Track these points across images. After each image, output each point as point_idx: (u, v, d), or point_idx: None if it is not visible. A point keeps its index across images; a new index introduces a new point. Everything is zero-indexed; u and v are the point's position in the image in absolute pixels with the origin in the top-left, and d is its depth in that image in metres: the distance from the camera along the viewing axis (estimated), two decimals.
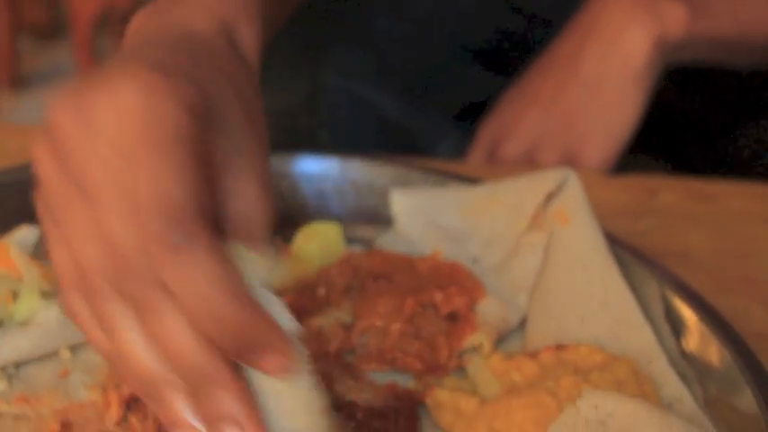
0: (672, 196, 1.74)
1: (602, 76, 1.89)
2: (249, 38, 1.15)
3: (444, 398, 1.16)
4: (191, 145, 0.91)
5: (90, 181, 0.90)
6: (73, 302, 0.96)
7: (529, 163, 1.86)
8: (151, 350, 0.92)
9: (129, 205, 0.88)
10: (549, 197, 1.36)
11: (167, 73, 0.93)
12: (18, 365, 1.23)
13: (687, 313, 1.24)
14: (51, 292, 1.26)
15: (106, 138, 0.90)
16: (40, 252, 1.34)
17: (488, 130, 1.97)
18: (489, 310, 1.27)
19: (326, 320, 1.29)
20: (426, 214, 1.45)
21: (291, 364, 0.94)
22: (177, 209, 0.89)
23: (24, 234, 1.34)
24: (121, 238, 0.88)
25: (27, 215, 1.36)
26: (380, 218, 1.50)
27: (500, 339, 1.29)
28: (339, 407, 1.13)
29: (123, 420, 1.14)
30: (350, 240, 1.44)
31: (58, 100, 0.92)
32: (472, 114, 2.05)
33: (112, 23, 5.37)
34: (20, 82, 5.82)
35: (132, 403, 1.16)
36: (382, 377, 1.23)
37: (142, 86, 0.90)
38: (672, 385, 1.18)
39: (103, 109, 0.90)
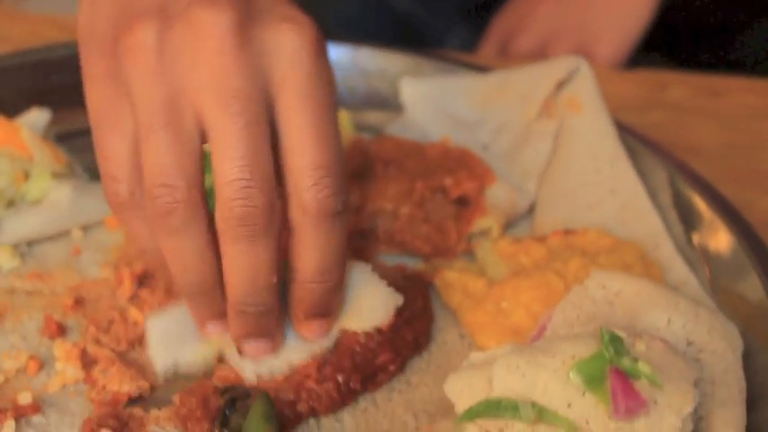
0: (682, 91, 1.74)
1: None
2: None
3: (453, 278, 1.18)
4: None
5: (240, 98, 0.88)
6: (120, 197, 0.95)
7: (541, 57, 1.85)
8: (210, 259, 0.94)
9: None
10: (560, 85, 1.35)
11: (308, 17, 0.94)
12: (30, 244, 1.25)
13: (695, 200, 1.25)
14: (62, 173, 1.26)
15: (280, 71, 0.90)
16: (50, 134, 1.35)
17: (501, 23, 1.95)
18: (499, 194, 1.27)
19: None
20: (437, 102, 1.45)
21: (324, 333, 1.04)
22: (341, 173, 0.92)
23: (35, 116, 1.34)
24: (249, 160, 0.88)
25: (36, 98, 1.37)
26: (390, 105, 1.51)
27: (509, 224, 1.30)
28: None
29: (135, 297, 1.16)
30: (359, 127, 1.44)
31: (216, 18, 0.88)
32: (483, 9, 2.03)
33: None
34: None
35: (144, 279, 1.17)
36: (391, 260, 1.24)
37: (307, 33, 0.91)
38: (678, 270, 1.19)
39: (274, 44, 0.90)
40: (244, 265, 0.92)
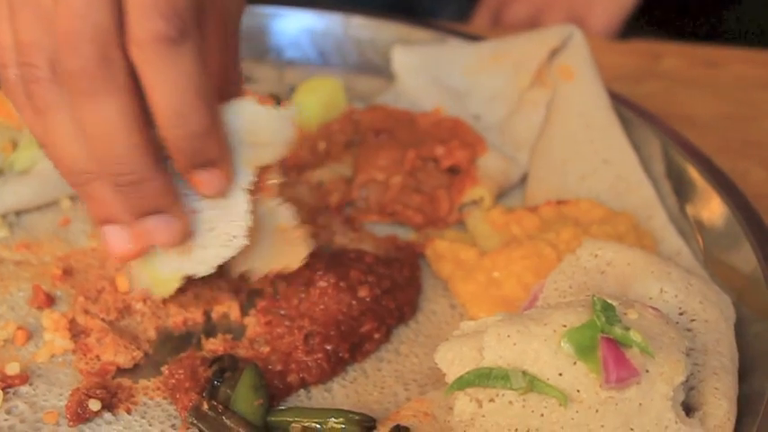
0: (675, 61, 1.73)
1: None
2: None
3: (444, 249, 1.17)
4: None
5: None
6: (11, 83, 0.90)
7: (534, 27, 1.84)
8: (81, 140, 0.88)
9: None
10: (553, 53, 1.34)
11: None
12: (19, 213, 1.24)
13: (689, 171, 1.24)
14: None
15: None
16: None
17: None
18: (491, 164, 1.27)
19: (327, 174, 1.29)
20: (428, 71, 1.44)
21: (226, 188, 0.96)
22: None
23: None
24: (81, 12, 0.83)
25: None
26: (382, 75, 1.50)
27: (501, 194, 1.29)
28: (347, 252, 1.15)
29: (124, 266, 1.15)
30: (351, 97, 1.43)
31: None
32: None
33: None
34: None
35: None
36: (382, 230, 1.24)
37: None
38: (671, 240, 1.19)
39: None
40: (95, 127, 0.86)
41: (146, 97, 0.87)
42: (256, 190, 0.98)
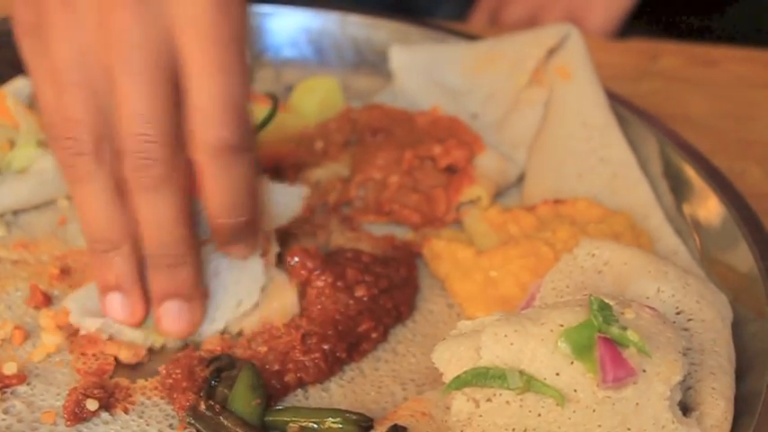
0: (673, 60, 1.73)
1: None
2: None
3: (441, 248, 1.17)
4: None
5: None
6: (56, 144, 0.97)
7: (532, 26, 1.84)
8: (114, 212, 0.96)
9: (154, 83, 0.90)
10: (551, 52, 1.34)
11: None
12: (16, 213, 1.23)
13: (686, 170, 1.24)
14: (48, 142, 1.25)
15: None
16: (36, 102, 1.33)
17: None
18: (488, 163, 1.27)
19: (325, 173, 1.29)
20: (426, 70, 1.44)
21: (252, 254, 1.07)
22: (242, 108, 0.93)
23: (20, 85, 1.32)
24: (148, 117, 0.90)
25: (22, 66, 1.35)
26: (379, 74, 1.50)
27: (498, 194, 1.29)
28: (344, 251, 1.15)
29: None
30: (348, 96, 1.43)
31: None
32: None
33: None
34: None
35: None
36: (380, 229, 1.24)
37: None
38: (667, 239, 1.19)
39: None
40: (151, 215, 0.95)
41: (201, 192, 0.97)
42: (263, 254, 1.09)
